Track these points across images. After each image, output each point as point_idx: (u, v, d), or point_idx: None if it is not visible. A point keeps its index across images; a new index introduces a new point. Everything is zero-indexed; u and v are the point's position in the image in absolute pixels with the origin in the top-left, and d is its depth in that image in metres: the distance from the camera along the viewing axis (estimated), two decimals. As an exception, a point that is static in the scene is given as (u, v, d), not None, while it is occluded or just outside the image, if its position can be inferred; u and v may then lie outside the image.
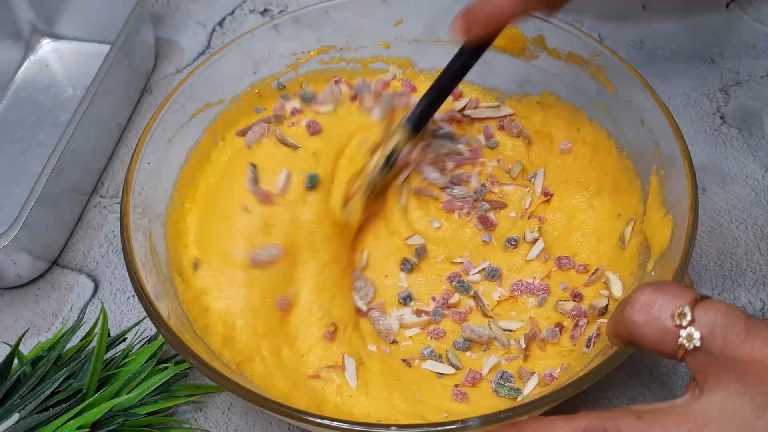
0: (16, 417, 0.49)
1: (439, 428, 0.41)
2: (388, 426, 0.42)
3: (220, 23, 0.84)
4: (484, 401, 0.50)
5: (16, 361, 0.52)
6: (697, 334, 0.35)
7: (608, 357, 0.42)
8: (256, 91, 0.63)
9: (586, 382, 0.42)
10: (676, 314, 0.36)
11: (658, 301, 0.37)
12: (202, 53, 0.81)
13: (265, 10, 0.84)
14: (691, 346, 0.35)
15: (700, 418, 0.35)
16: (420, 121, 0.57)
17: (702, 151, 0.68)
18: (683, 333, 0.35)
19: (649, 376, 0.55)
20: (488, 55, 0.63)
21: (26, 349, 0.57)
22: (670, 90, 0.73)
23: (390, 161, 0.57)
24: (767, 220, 0.63)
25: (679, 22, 0.79)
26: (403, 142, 0.57)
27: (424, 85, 0.66)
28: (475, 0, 0.50)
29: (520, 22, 0.59)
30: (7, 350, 0.53)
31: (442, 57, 0.65)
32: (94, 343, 0.53)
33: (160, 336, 0.51)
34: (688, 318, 0.35)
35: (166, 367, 0.52)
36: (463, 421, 0.40)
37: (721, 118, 0.70)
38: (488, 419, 0.41)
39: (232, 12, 0.85)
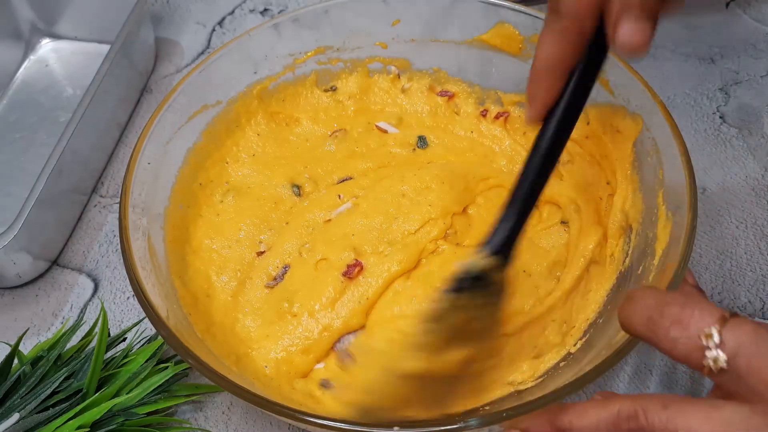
0: (16, 417, 0.49)
1: (444, 427, 0.41)
2: (390, 426, 0.42)
3: (220, 23, 0.84)
4: None
5: (16, 360, 0.52)
6: (723, 357, 0.35)
7: (607, 356, 0.42)
8: (254, 92, 0.63)
9: (587, 380, 0.42)
10: (704, 335, 0.36)
11: (686, 320, 0.37)
12: (202, 53, 0.81)
13: (265, 10, 0.85)
14: (717, 369, 0.35)
15: (724, 425, 0.35)
16: (504, 245, 0.45)
17: (702, 150, 0.68)
18: (709, 355, 0.35)
19: (649, 376, 0.55)
20: (486, 55, 0.63)
21: (26, 348, 0.57)
22: (670, 89, 0.73)
23: (455, 290, 0.44)
24: (767, 220, 0.63)
25: (679, 21, 0.79)
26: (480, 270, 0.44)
27: (419, 85, 0.66)
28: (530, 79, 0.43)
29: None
30: (7, 350, 0.53)
31: (439, 57, 0.65)
32: (94, 343, 0.53)
33: (160, 336, 0.51)
34: (716, 340, 0.35)
35: (166, 367, 0.52)
36: (464, 420, 0.40)
37: (721, 117, 0.70)
38: (489, 419, 0.41)
39: (232, 12, 0.85)
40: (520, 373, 0.51)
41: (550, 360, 0.51)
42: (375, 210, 0.58)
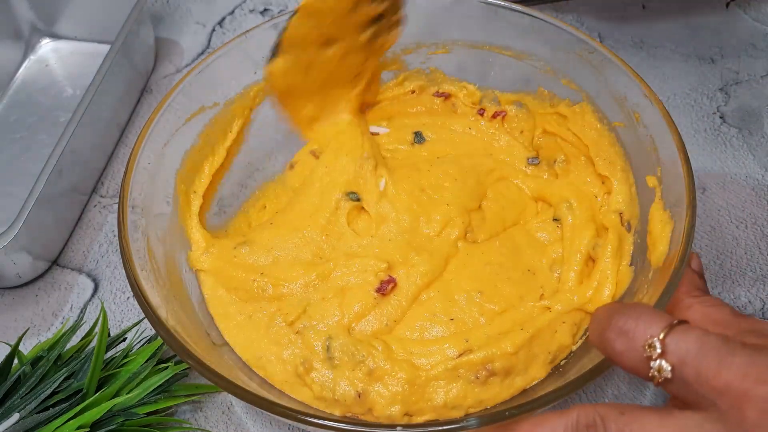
0: (16, 417, 0.49)
1: (443, 427, 0.41)
2: (393, 426, 0.42)
3: (220, 23, 0.84)
4: None
5: (16, 360, 0.52)
6: (667, 367, 0.36)
7: (603, 358, 0.42)
8: (250, 95, 0.62)
9: (584, 381, 0.42)
10: (647, 345, 0.36)
11: (631, 331, 0.37)
12: (202, 53, 0.81)
13: (265, 10, 0.85)
14: (662, 378, 0.36)
15: (678, 429, 0.35)
16: None
17: (702, 150, 0.68)
18: (653, 365, 0.36)
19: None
20: (484, 55, 0.63)
21: (26, 348, 0.57)
22: (670, 89, 0.73)
23: None
24: (767, 220, 0.63)
25: (679, 21, 0.79)
26: None
27: (414, 85, 0.66)
28: None
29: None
30: (7, 350, 0.53)
31: (437, 57, 0.65)
32: (94, 343, 0.53)
33: (159, 336, 0.51)
34: (658, 350, 0.36)
35: (166, 367, 0.52)
36: (465, 419, 0.40)
37: (721, 117, 0.70)
38: (490, 419, 0.41)
39: (232, 12, 0.85)
40: (535, 380, 0.51)
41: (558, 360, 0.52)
42: (402, 205, 0.58)
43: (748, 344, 0.35)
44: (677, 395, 0.37)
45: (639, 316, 0.37)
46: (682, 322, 0.36)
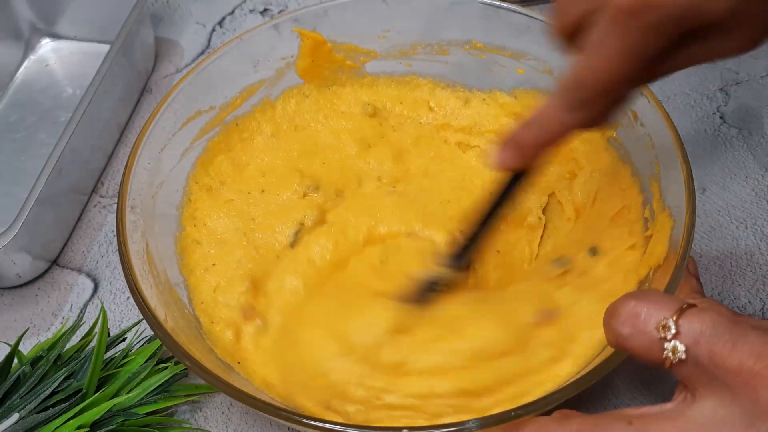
0: (15, 417, 0.49)
1: (446, 429, 0.40)
2: (399, 429, 0.42)
3: (220, 23, 0.84)
4: None
5: (15, 360, 0.52)
6: (681, 347, 0.35)
7: (608, 357, 0.42)
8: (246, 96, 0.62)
9: (586, 382, 0.42)
10: (660, 326, 0.36)
11: (642, 313, 0.37)
12: (202, 53, 0.81)
13: (265, 10, 0.85)
14: (677, 359, 0.35)
15: (691, 425, 0.35)
16: (461, 256, 0.52)
17: (702, 150, 0.68)
18: (668, 346, 0.35)
19: (650, 376, 0.55)
20: (482, 56, 0.63)
21: (26, 348, 0.57)
22: (669, 90, 0.73)
23: (425, 292, 0.51)
24: (767, 220, 0.63)
25: (679, 21, 0.79)
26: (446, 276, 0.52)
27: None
28: (519, 128, 0.44)
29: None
30: (7, 350, 0.53)
31: (439, 59, 0.65)
32: (93, 343, 0.53)
33: (157, 338, 0.51)
34: (673, 330, 0.35)
35: (166, 367, 0.52)
36: (466, 421, 0.40)
37: (720, 117, 0.70)
38: (493, 420, 0.41)
39: (232, 12, 0.85)
40: None
41: None
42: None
43: (756, 326, 0.35)
44: (688, 378, 0.36)
45: (650, 300, 0.37)
46: (692, 305, 0.36)
